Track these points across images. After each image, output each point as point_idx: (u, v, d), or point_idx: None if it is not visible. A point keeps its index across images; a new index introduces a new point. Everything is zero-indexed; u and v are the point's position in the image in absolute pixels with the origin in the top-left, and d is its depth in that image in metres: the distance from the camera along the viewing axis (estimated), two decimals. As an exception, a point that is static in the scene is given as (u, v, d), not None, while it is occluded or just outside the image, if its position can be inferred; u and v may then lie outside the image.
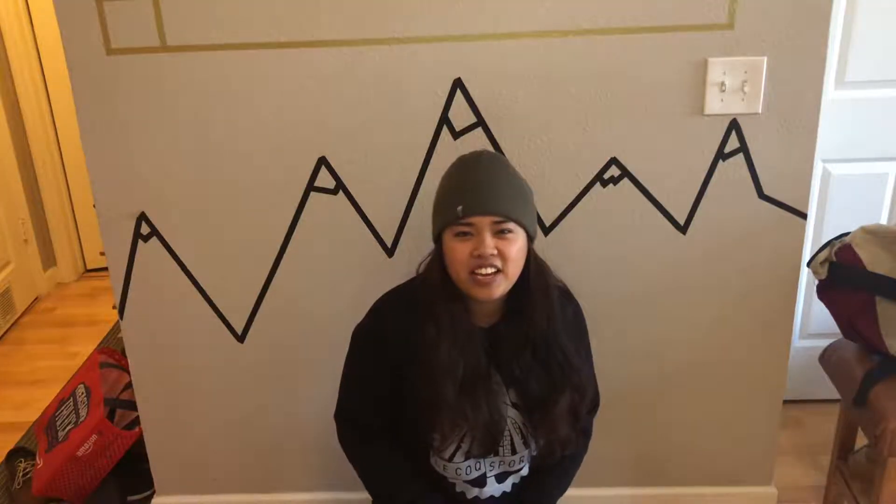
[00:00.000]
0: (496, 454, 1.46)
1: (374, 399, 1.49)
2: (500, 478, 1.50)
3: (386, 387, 1.46)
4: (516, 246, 1.33)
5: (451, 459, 1.46)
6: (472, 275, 1.33)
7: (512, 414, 1.44)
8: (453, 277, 1.36)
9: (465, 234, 1.33)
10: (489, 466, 1.48)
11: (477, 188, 1.33)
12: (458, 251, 1.33)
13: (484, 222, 1.31)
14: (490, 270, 1.32)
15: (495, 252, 1.31)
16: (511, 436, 1.45)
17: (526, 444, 1.46)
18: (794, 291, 1.86)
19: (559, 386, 1.41)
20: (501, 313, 1.44)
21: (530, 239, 1.38)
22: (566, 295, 1.51)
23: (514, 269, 1.35)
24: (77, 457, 2.10)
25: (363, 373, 1.50)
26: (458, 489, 1.51)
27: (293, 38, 1.66)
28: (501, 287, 1.34)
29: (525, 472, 1.52)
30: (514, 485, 1.52)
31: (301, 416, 1.98)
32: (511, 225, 1.32)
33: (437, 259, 1.39)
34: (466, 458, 1.46)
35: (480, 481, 1.49)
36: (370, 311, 1.49)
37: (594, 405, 1.59)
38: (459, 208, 1.31)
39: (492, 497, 1.51)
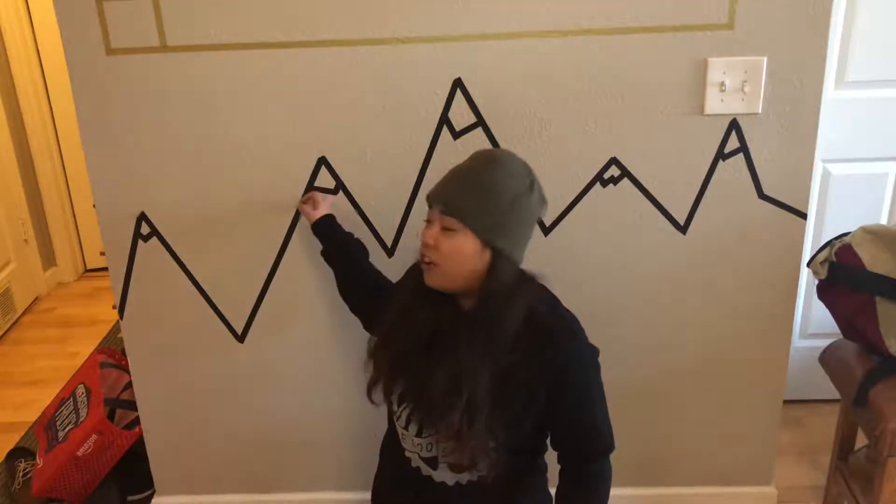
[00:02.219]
0: (435, 428, 1.41)
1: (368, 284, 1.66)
2: (455, 468, 1.46)
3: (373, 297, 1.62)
4: (452, 243, 1.33)
5: (406, 428, 1.46)
6: (421, 259, 1.38)
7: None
8: None
9: (429, 220, 1.37)
10: (441, 451, 1.45)
11: (446, 179, 1.38)
12: (422, 234, 1.38)
13: (436, 211, 1.35)
14: (426, 259, 1.36)
15: (432, 242, 1.34)
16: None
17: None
18: (794, 291, 1.86)
19: (450, 394, 1.34)
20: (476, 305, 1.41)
21: (492, 248, 1.33)
22: (561, 332, 1.39)
23: (449, 265, 1.34)
24: (77, 457, 2.10)
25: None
26: (413, 464, 1.50)
27: (293, 38, 1.66)
28: (436, 279, 1.37)
29: (485, 472, 1.43)
30: (470, 482, 1.47)
31: (301, 415, 1.98)
32: (451, 221, 1.33)
33: None
34: (419, 435, 1.45)
35: (433, 463, 1.48)
36: None
37: (599, 451, 1.46)
38: (427, 194, 1.39)
39: (444, 483, 1.48)
